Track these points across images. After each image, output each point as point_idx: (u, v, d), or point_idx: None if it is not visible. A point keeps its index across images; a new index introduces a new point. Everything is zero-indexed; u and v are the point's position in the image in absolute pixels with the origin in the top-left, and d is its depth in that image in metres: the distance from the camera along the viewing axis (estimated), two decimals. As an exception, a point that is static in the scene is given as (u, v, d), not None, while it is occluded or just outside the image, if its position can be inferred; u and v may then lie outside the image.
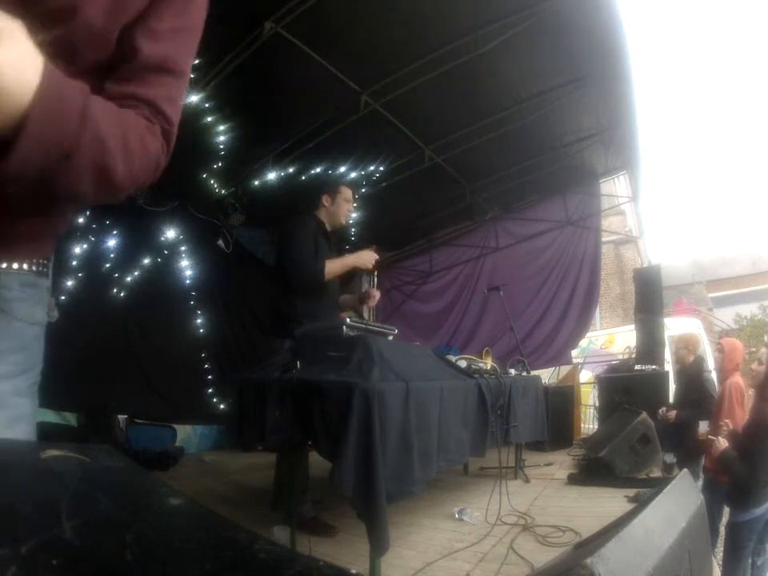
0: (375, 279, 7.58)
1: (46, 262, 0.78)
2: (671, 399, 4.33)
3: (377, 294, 2.96)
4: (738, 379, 3.47)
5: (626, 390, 4.47)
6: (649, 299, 5.26)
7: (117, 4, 0.63)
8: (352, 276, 7.08)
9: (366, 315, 7.20)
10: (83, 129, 0.52)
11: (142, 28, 0.66)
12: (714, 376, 4.61)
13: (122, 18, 0.65)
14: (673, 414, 3.94)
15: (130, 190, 0.65)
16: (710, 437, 3.15)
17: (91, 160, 0.54)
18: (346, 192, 2.88)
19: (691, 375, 4.06)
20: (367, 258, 2.78)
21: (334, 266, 2.66)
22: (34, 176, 0.51)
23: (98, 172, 0.56)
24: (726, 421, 3.00)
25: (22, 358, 0.74)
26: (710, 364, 6.39)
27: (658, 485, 1.87)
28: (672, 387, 4.59)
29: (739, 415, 3.25)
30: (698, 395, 3.86)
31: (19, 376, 0.73)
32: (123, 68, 0.66)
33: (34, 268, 0.76)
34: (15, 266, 0.72)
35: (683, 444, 3.84)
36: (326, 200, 2.84)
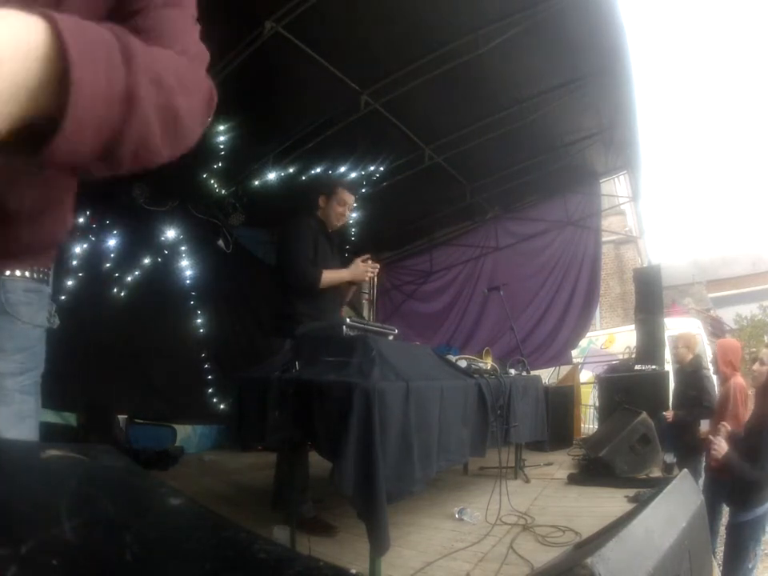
0: (375, 279, 7.58)
1: (47, 270, 0.83)
2: (670, 398, 4.33)
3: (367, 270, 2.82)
4: (740, 380, 3.47)
5: (626, 390, 4.47)
6: (649, 299, 5.26)
7: None
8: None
9: (365, 315, 7.23)
10: (131, 70, 0.44)
11: None
12: (712, 374, 4.61)
13: None
14: (671, 414, 3.94)
15: (202, 123, 0.59)
16: (710, 437, 3.15)
17: (154, 104, 0.47)
18: (342, 195, 2.81)
19: (690, 373, 4.06)
20: (362, 272, 2.76)
21: (330, 276, 2.66)
22: (94, 142, 0.43)
23: (164, 118, 0.49)
24: (724, 423, 3.00)
25: (26, 358, 0.79)
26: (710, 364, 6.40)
27: (657, 485, 1.87)
28: (672, 387, 4.58)
29: (743, 415, 3.25)
30: (696, 392, 3.86)
31: (24, 374, 0.78)
32: (138, 15, 0.63)
33: (35, 275, 0.80)
34: (18, 273, 0.77)
35: (683, 443, 3.84)
36: (322, 201, 2.83)
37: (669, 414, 3.96)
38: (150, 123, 0.47)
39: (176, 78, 0.51)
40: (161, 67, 0.48)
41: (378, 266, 2.88)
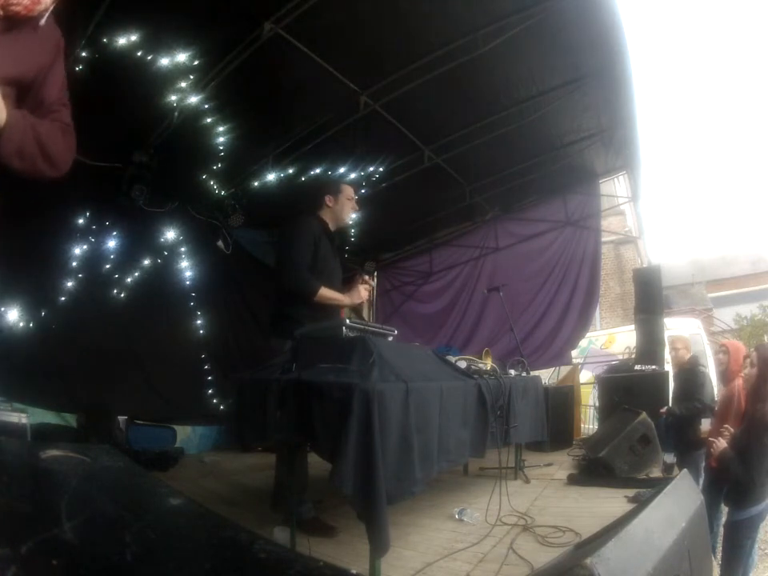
0: (375, 280, 7.58)
1: None
2: (670, 399, 4.32)
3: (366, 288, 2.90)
4: (742, 380, 3.47)
5: (626, 389, 4.46)
6: (649, 299, 5.26)
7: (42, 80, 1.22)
8: (352, 276, 7.08)
9: (365, 316, 7.23)
10: (29, 129, 1.12)
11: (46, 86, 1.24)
12: (713, 375, 4.59)
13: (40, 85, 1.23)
14: (664, 410, 3.94)
15: (62, 164, 1.24)
16: (710, 439, 3.15)
17: (37, 145, 1.14)
18: (348, 190, 2.91)
19: (687, 370, 4.06)
20: (359, 297, 2.80)
21: (327, 294, 2.65)
22: (11, 153, 1.09)
23: (41, 152, 1.16)
24: (727, 426, 3.01)
25: None
26: (710, 364, 6.39)
27: (657, 485, 1.87)
28: (671, 387, 4.58)
29: None
30: (693, 389, 3.85)
31: None
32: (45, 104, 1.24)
33: None
34: None
35: (683, 443, 3.83)
36: (329, 200, 2.86)
37: (662, 410, 3.95)
38: (34, 152, 1.15)
39: (47, 136, 1.18)
40: (43, 130, 1.16)
41: (374, 284, 3.00)
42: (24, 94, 1.18)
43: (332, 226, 2.89)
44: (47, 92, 1.22)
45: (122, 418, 4.44)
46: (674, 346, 4.37)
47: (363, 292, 2.83)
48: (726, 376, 3.65)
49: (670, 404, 4.18)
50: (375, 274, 7.55)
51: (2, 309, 3.93)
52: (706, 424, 3.84)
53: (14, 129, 1.07)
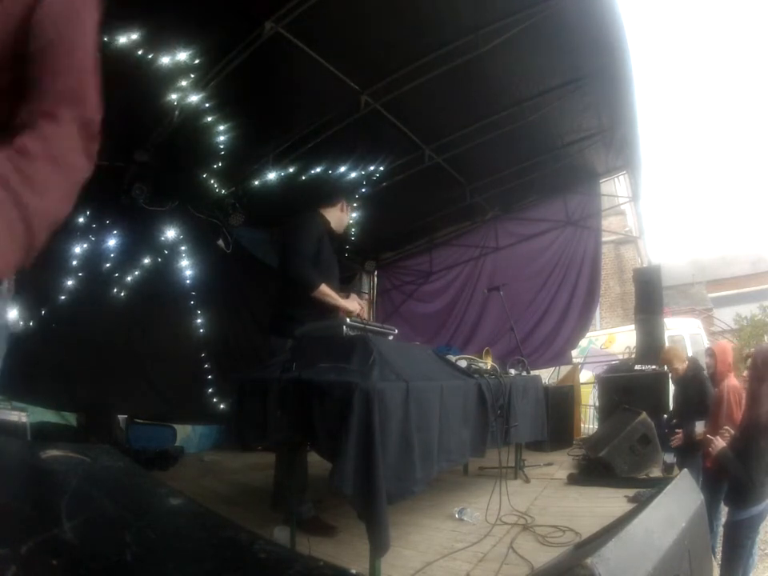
0: (375, 280, 7.58)
1: None
2: (671, 400, 4.31)
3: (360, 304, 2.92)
4: (734, 381, 3.47)
5: (626, 389, 4.46)
6: (649, 299, 5.26)
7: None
8: (352, 276, 7.09)
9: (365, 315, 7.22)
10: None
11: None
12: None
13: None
14: (680, 437, 3.76)
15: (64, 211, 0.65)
16: (708, 436, 3.15)
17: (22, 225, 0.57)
18: (344, 205, 3.00)
19: (690, 377, 4.01)
20: (354, 306, 2.80)
21: (327, 292, 2.64)
22: None
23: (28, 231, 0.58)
24: (727, 427, 3.00)
25: None
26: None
27: (657, 485, 1.87)
28: (671, 389, 4.57)
29: (738, 416, 3.25)
30: (699, 397, 3.81)
31: None
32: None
33: None
34: None
35: (683, 443, 3.82)
36: (325, 212, 2.88)
37: (677, 437, 3.77)
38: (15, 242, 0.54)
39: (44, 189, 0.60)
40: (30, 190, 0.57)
41: (365, 302, 3.03)
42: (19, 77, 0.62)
43: (334, 227, 2.93)
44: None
45: (122, 417, 4.44)
46: (663, 361, 4.29)
47: (361, 305, 2.84)
48: (714, 378, 3.65)
49: (671, 409, 4.16)
50: (375, 273, 7.56)
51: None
52: (699, 426, 3.83)
53: None
